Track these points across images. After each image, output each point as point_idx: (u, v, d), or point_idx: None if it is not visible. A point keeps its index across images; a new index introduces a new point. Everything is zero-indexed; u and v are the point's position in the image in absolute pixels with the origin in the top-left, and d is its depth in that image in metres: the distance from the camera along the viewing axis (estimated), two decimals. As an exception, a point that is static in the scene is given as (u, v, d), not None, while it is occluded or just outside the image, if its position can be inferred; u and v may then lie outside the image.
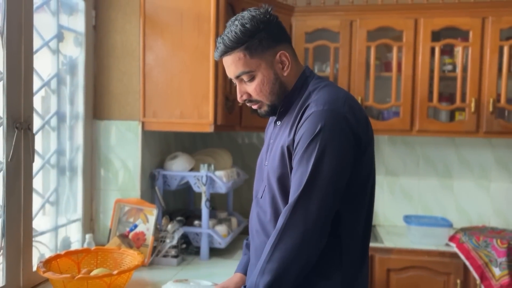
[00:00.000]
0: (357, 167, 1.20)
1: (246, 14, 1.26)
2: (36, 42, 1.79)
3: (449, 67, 2.69)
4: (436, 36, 2.64)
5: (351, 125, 1.17)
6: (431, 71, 2.63)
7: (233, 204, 2.86)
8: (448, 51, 2.71)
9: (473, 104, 2.56)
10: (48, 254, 1.93)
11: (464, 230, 2.59)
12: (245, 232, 2.61)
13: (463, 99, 2.62)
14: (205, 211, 2.22)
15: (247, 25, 1.23)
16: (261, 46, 1.24)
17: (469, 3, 2.58)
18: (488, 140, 2.87)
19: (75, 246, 2.14)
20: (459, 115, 2.67)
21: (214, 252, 2.30)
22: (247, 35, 1.22)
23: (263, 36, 1.24)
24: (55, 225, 2.01)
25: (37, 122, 1.86)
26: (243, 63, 1.25)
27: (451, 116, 2.74)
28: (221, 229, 2.30)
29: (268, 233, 1.28)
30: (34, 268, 1.73)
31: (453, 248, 2.47)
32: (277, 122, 1.35)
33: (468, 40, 2.59)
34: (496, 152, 2.88)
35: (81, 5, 2.12)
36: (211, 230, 2.23)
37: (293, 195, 1.16)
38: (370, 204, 1.29)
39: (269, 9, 1.27)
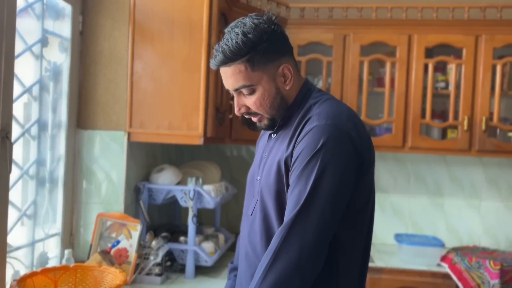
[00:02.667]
0: (358, 189, 1.13)
1: (248, 22, 1.16)
2: (18, 47, 1.70)
3: (442, 84, 2.67)
4: (429, 52, 2.63)
5: (354, 143, 1.10)
6: (424, 87, 2.61)
7: (221, 219, 2.77)
8: (441, 68, 2.69)
9: (466, 122, 2.54)
10: (23, 271, 1.81)
11: (456, 250, 2.54)
12: (232, 249, 2.52)
13: (455, 116, 2.59)
14: (191, 227, 2.13)
15: (250, 35, 1.13)
16: (263, 58, 1.15)
17: (463, 21, 2.57)
18: (479, 159, 2.85)
19: (53, 262, 2.02)
20: (451, 133, 2.65)
21: (200, 270, 2.20)
22: (249, 46, 1.13)
23: (266, 48, 1.15)
24: (32, 239, 1.89)
25: (16, 131, 1.77)
26: (244, 76, 1.16)
27: (443, 134, 2.71)
28: (208, 246, 2.21)
29: (258, 255, 1.19)
30: (7, 287, 1.61)
31: (445, 268, 2.41)
32: (273, 135, 1.28)
33: (461, 58, 2.57)
34: (487, 171, 2.86)
35: (68, 9, 2.04)
36: (197, 247, 2.13)
37: (289, 214, 1.08)
38: (369, 228, 1.22)
39: (273, 18, 1.17)
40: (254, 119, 1.25)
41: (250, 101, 1.20)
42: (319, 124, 1.10)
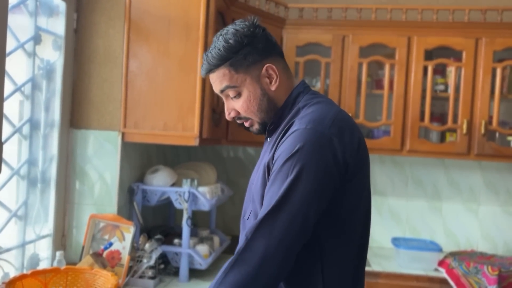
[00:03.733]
0: (342, 195, 1.08)
1: (230, 29, 1.18)
2: (10, 44, 1.66)
3: (441, 87, 2.64)
4: (428, 55, 2.60)
5: (334, 148, 1.05)
6: (423, 90, 2.58)
7: (217, 222, 2.73)
8: (440, 70, 2.67)
9: (465, 126, 2.51)
10: (13, 273, 1.77)
11: (453, 254, 2.51)
12: (227, 251, 2.49)
13: (454, 120, 2.57)
14: (186, 230, 2.09)
15: (231, 41, 1.15)
16: (246, 61, 1.16)
17: (463, 23, 2.54)
18: (478, 163, 2.82)
19: (44, 264, 1.99)
20: (450, 136, 2.62)
21: (194, 274, 2.17)
22: (231, 51, 1.15)
23: (248, 51, 1.16)
24: (23, 241, 1.86)
25: (7, 129, 1.73)
26: (228, 78, 1.18)
27: (442, 137, 2.68)
28: (202, 248, 2.17)
29: None
30: (-4, 290, 1.58)
31: (443, 273, 2.39)
32: (268, 139, 1.26)
33: (461, 61, 2.55)
34: (486, 175, 2.83)
35: (62, 6, 2.00)
36: (191, 250, 2.10)
37: (259, 216, 1.05)
38: (363, 237, 1.16)
39: (255, 21, 1.19)
40: (246, 124, 1.25)
41: (238, 105, 1.21)
42: (299, 128, 1.07)
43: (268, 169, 1.13)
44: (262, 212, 1.04)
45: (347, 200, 1.10)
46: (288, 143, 1.07)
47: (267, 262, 1.00)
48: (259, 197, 1.15)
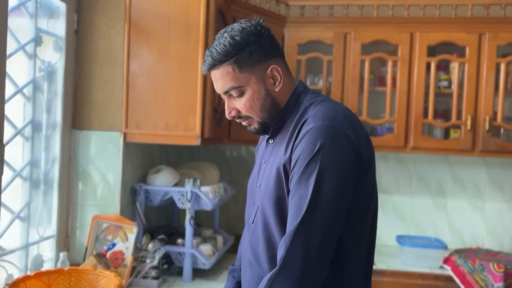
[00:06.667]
0: (359, 188, 1.10)
1: (236, 26, 1.17)
2: (11, 46, 1.66)
3: (445, 83, 2.62)
4: (431, 51, 2.58)
5: (352, 142, 1.07)
6: (427, 86, 2.56)
7: (220, 221, 2.73)
8: (443, 66, 2.65)
9: (469, 122, 2.49)
10: (17, 275, 1.78)
11: (459, 252, 2.49)
12: (231, 251, 2.49)
13: (458, 116, 2.55)
14: (189, 230, 2.09)
15: (237, 38, 1.14)
16: (251, 59, 1.16)
17: (466, 19, 2.52)
18: (483, 159, 2.80)
19: (48, 265, 1.99)
20: (454, 133, 2.60)
21: (198, 273, 2.17)
22: (237, 47, 1.14)
23: (254, 49, 1.15)
24: (26, 242, 1.86)
25: (9, 131, 1.73)
26: (232, 77, 1.16)
27: (446, 134, 2.66)
28: (206, 248, 2.17)
29: (261, 264, 1.17)
30: (-1, 291, 1.58)
31: (448, 271, 2.37)
32: (270, 141, 1.25)
33: (465, 56, 2.52)
34: (491, 171, 2.81)
35: (62, 8, 2.01)
36: (194, 250, 2.10)
37: (292, 222, 1.05)
38: (372, 230, 1.18)
39: (261, 21, 1.18)
40: (244, 123, 1.24)
41: (240, 104, 1.19)
42: (315, 125, 1.08)
43: (285, 170, 1.12)
44: (294, 218, 1.05)
45: (362, 196, 1.12)
46: (307, 142, 1.07)
47: (310, 266, 1.02)
48: (272, 199, 1.14)
